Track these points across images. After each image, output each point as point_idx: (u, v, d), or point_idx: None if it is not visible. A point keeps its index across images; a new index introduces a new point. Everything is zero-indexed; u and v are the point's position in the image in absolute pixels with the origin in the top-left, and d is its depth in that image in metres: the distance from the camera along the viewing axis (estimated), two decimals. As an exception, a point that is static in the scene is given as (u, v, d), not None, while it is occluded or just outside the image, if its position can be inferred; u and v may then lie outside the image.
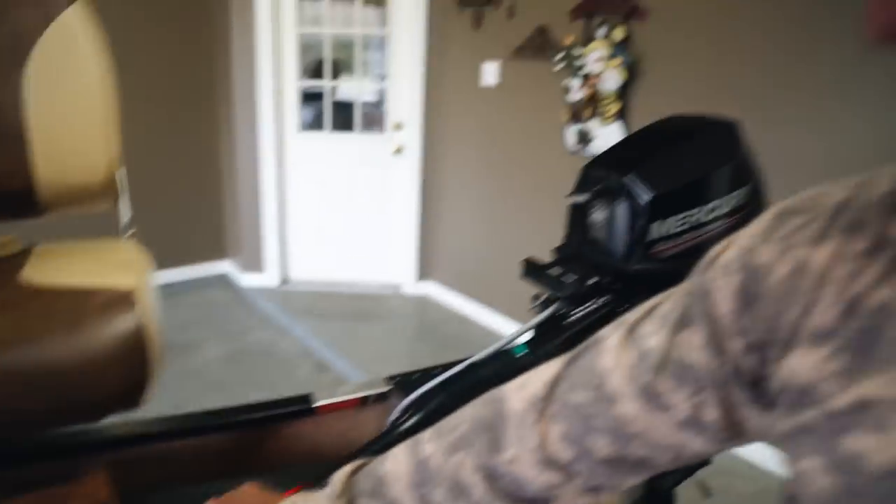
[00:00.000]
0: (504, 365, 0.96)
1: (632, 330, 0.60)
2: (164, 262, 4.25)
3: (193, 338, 3.67)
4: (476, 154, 3.85)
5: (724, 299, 0.53)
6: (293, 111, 4.17)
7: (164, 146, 4.17)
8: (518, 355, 0.99)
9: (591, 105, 2.92)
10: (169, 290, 4.28)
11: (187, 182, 4.33)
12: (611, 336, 0.62)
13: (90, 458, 1.17)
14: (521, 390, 0.65)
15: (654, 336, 0.58)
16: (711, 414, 0.54)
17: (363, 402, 1.36)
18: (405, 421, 0.89)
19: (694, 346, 0.55)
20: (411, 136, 4.08)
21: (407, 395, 1.35)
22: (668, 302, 0.59)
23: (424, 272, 4.33)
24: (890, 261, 0.45)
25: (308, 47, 4.20)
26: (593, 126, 2.96)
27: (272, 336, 3.76)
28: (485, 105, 3.69)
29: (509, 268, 3.92)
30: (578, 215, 1.37)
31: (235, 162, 4.20)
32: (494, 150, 3.71)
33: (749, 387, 0.52)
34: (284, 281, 4.40)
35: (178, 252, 4.38)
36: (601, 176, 1.31)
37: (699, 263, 0.57)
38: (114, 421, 1.21)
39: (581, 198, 1.26)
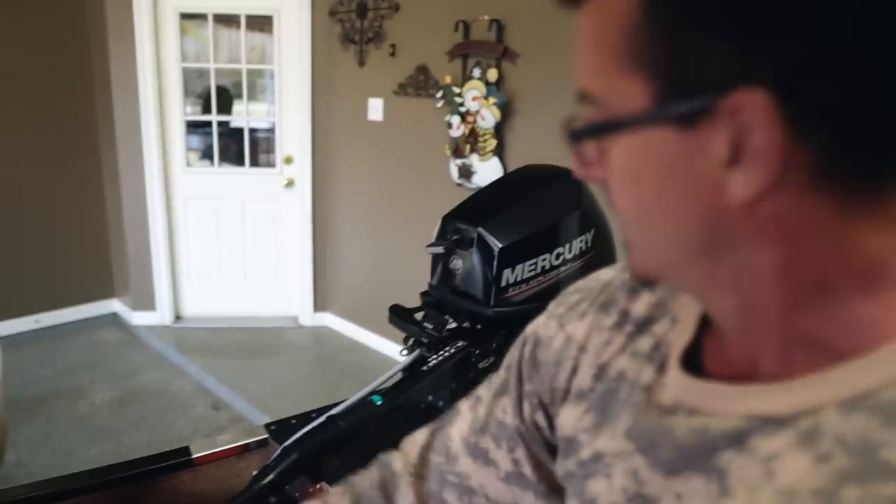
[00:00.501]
0: (362, 415, 1.05)
1: (476, 398, 0.71)
2: (48, 302, 4.10)
3: (81, 382, 3.55)
4: (366, 186, 3.94)
5: (522, 367, 0.65)
6: (180, 144, 4.12)
7: (42, 182, 4.03)
8: (377, 403, 1.08)
9: (472, 140, 3.07)
10: (55, 331, 4.13)
11: (69, 219, 4.19)
12: (463, 404, 0.72)
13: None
14: (403, 457, 0.75)
15: (482, 402, 0.69)
16: (527, 467, 0.64)
17: (245, 449, 1.42)
18: (279, 464, 0.96)
19: (507, 409, 0.66)
20: (302, 170, 4.12)
21: (284, 440, 1.42)
22: (501, 370, 0.70)
23: (320, 304, 4.36)
24: (628, 334, 0.57)
25: (198, 73, 4.17)
26: (474, 160, 3.11)
27: (166, 375, 3.69)
28: (372, 139, 3.79)
29: (402, 296, 4.00)
30: (440, 262, 1.49)
31: (120, 198, 4.11)
32: (383, 183, 3.82)
33: (544, 441, 0.64)
34: (177, 318, 4.33)
35: (63, 291, 4.22)
36: (458, 227, 1.43)
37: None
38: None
39: (439, 248, 1.38)
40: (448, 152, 3.24)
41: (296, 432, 0.97)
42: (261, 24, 4.04)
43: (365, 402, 1.08)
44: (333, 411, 1.03)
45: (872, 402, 0.36)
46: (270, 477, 0.92)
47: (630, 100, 0.39)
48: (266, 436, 1.44)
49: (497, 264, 1.35)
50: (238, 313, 4.37)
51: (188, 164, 4.19)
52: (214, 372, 3.64)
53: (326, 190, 4.15)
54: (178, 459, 1.35)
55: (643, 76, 0.38)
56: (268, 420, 1.47)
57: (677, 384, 0.48)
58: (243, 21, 3.98)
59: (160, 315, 4.27)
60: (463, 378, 1.39)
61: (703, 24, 0.35)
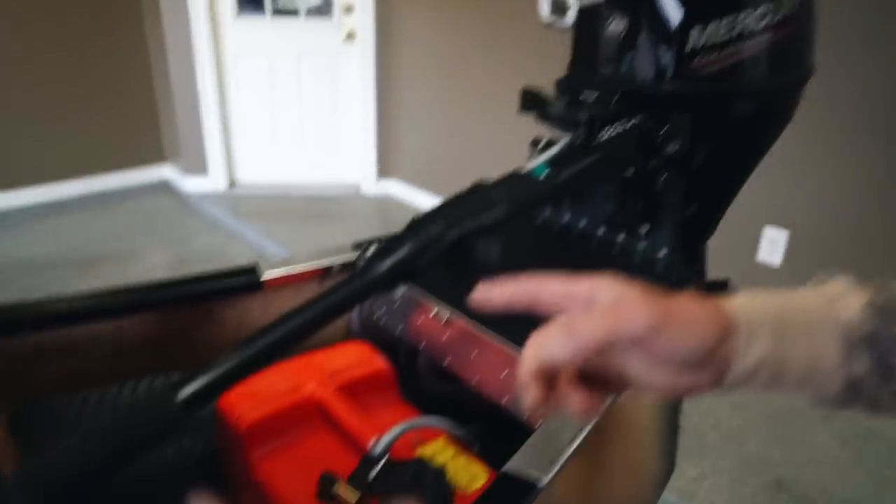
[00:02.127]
0: (521, 187, 0.70)
1: None
2: (99, 165, 3.86)
3: (133, 246, 3.33)
4: (436, 35, 3.49)
5: None
6: (229, -9, 3.70)
7: (82, 41, 3.69)
8: (539, 177, 0.72)
9: (569, -36, 2.58)
10: (107, 196, 3.90)
11: (114, 79, 3.87)
12: None
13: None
14: None
15: None
16: None
17: (326, 272, 1.10)
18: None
19: None
20: (363, 19, 3.68)
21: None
22: None
23: (384, 170, 4.01)
24: None
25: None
26: (570, -10, 2.62)
27: (221, 241, 3.44)
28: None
29: (475, 160, 3.65)
30: (587, 32, 1.09)
31: (166, 53, 3.75)
32: (456, 30, 3.36)
33: None
34: (232, 184, 4.05)
35: (113, 155, 3.96)
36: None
37: None
38: (7, 305, 0.92)
39: (594, -1, 0.98)
40: (538, -17, 2.76)
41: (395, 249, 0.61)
42: None
43: (520, 176, 0.72)
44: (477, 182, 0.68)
45: None
46: (402, 253, 0.58)
47: None
48: (354, 256, 1.11)
49: (685, 17, 0.95)
50: (295, 181, 4.07)
51: (238, 14, 3.77)
52: (273, 237, 3.38)
53: (391, 42, 3.71)
54: (245, 280, 1.03)
55: None
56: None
57: None
58: None
59: (213, 181, 3.99)
60: (637, 187, 1.03)
61: None
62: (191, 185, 3.99)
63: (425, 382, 1.11)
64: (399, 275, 0.58)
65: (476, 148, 3.45)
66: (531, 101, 1.09)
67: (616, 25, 1.02)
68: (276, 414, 0.88)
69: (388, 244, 0.59)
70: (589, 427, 0.74)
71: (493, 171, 0.77)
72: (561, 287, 0.43)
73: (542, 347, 0.39)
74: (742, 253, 2.50)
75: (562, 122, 1.05)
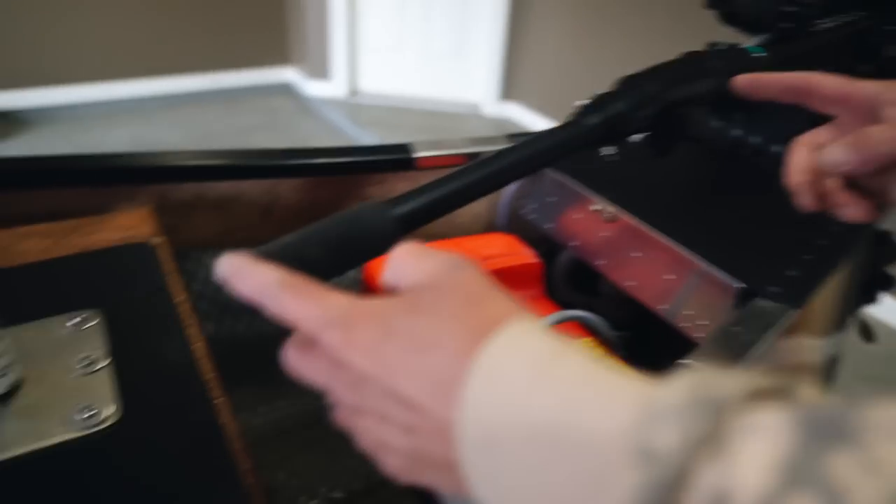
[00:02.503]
0: (739, 61, 0.62)
1: None
2: (225, 63, 3.93)
3: (254, 143, 3.41)
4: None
5: None
6: None
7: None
8: (756, 55, 0.64)
9: None
10: (230, 94, 3.99)
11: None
12: None
13: (129, 188, 0.90)
14: None
15: None
16: None
17: (472, 158, 1.05)
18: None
19: None
20: (505, -70, 3.52)
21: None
22: None
23: (507, 92, 3.91)
24: None
25: None
26: None
27: (339, 143, 3.47)
28: None
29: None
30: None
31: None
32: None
33: None
34: (353, 92, 4.05)
35: (238, 55, 4.02)
36: None
37: None
38: (172, 151, 0.93)
39: None
40: None
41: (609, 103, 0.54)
42: None
43: (738, 49, 0.64)
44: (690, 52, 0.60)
45: None
46: (618, 106, 0.52)
47: None
48: (507, 146, 1.06)
49: None
50: (416, 94, 4.03)
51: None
52: (389, 148, 3.37)
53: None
54: (397, 156, 1.01)
55: None
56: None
57: None
58: None
59: (335, 86, 4.00)
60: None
61: None
62: (312, 89, 4.03)
63: (568, 289, 1.07)
64: (612, 129, 0.52)
65: (609, 76, 3.29)
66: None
67: None
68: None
69: (600, 98, 0.53)
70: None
71: None
72: (841, 87, 0.39)
73: (827, 153, 0.36)
74: None
75: (754, 19, 0.95)
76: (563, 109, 3.59)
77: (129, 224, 0.83)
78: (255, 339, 1.06)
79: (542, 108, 3.74)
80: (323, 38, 3.89)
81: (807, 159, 0.38)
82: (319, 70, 3.98)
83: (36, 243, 0.75)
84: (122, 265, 0.73)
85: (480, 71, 3.93)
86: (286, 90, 4.18)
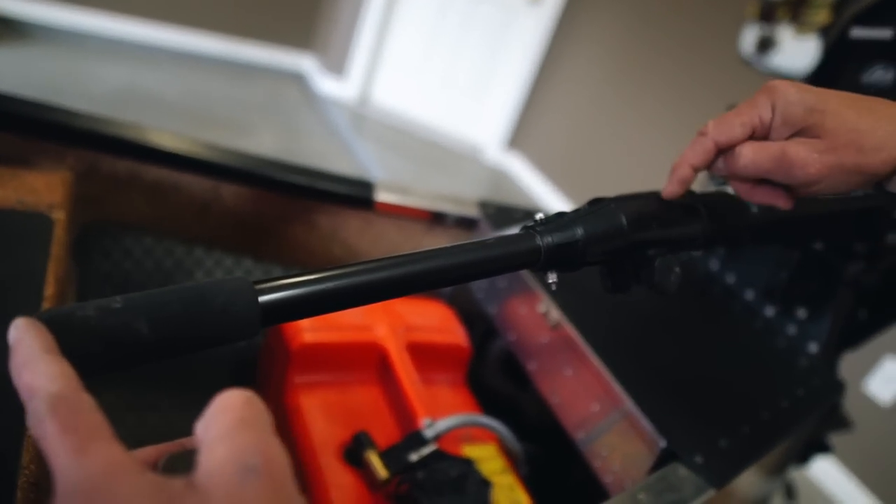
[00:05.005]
0: (730, 211, 0.56)
1: None
2: (241, 29, 3.83)
3: (252, 120, 3.32)
4: (621, 26, 3.29)
5: None
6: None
7: None
8: (752, 208, 0.58)
9: (792, 5, 2.34)
10: (239, 66, 3.91)
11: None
12: None
13: (59, 147, 0.82)
14: None
15: None
16: None
17: (437, 218, 0.98)
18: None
19: None
20: (555, -10, 3.52)
21: (498, 230, 0.97)
22: None
23: (513, 141, 3.87)
24: None
25: None
26: (783, 33, 2.40)
27: (332, 149, 3.40)
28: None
29: (610, 170, 3.46)
30: (834, 69, 0.92)
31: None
32: (644, 28, 3.15)
33: None
34: (363, 99, 3.99)
35: (259, 24, 3.88)
36: None
37: None
38: (115, 120, 0.85)
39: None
40: (750, 12, 2.53)
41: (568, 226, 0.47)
42: None
43: (729, 197, 0.58)
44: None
45: None
46: (576, 232, 0.45)
47: None
48: (475, 215, 0.99)
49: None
50: (423, 121, 3.97)
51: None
52: (383, 166, 3.31)
53: (570, 24, 3.54)
54: (357, 192, 0.93)
55: None
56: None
57: None
58: None
59: (347, 88, 3.94)
60: (819, 265, 0.87)
61: None
62: (324, 85, 3.96)
63: (495, 379, 0.99)
64: (566, 255, 0.45)
65: (615, 158, 3.27)
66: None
67: (882, 75, 0.85)
68: (335, 345, 0.78)
69: (560, 215, 0.47)
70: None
71: (624, 188, 0.62)
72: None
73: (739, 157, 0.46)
74: (847, 378, 2.25)
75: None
76: (561, 173, 3.56)
77: (37, 186, 0.74)
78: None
79: (542, 165, 3.70)
80: (350, 33, 3.82)
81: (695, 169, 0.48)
82: (336, 66, 3.91)
83: (-81, 181, 0.66)
84: (3, 233, 0.64)
85: (493, 115, 3.89)
86: (297, 79, 4.10)
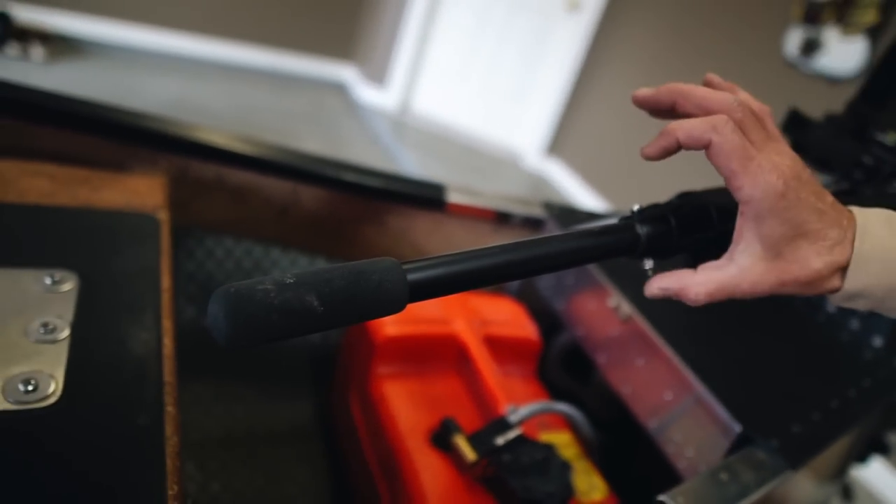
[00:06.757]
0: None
1: None
2: (285, 41, 3.92)
3: (297, 129, 3.41)
4: (661, 30, 3.30)
5: None
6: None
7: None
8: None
9: (838, 6, 2.34)
10: (283, 78, 4.00)
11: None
12: None
13: (153, 152, 0.87)
14: None
15: None
16: None
17: (503, 218, 1.02)
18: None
19: None
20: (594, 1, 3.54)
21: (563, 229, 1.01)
22: None
23: (552, 146, 3.90)
24: None
25: None
26: (830, 35, 2.39)
27: (374, 156, 3.46)
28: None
29: (649, 176, 3.46)
30: None
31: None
32: (685, 31, 3.16)
33: None
34: (404, 108, 4.05)
35: (303, 35, 3.98)
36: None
37: None
38: (204, 126, 0.91)
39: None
40: (795, 13, 2.53)
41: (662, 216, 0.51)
42: None
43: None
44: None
45: None
46: (671, 221, 0.49)
47: None
48: (538, 212, 1.03)
49: None
50: (464, 128, 4.02)
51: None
52: (423, 172, 3.36)
53: (614, 21, 3.55)
54: (429, 194, 0.98)
55: None
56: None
57: None
58: None
59: (389, 97, 4.01)
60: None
61: None
62: (365, 94, 4.03)
63: (557, 374, 1.03)
64: (661, 244, 0.49)
65: (655, 162, 3.27)
66: (795, 123, 0.96)
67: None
68: (416, 337, 0.82)
69: (654, 207, 0.50)
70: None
71: (665, 192, 0.64)
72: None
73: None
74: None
75: (825, 157, 0.92)
76: (601, 178, 3.57)
77: (140, 189, 0.80)
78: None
79: (582, 171, 3.72)
80: (391, 44, 3.89)
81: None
82: (378, 76, 3.98)
83: (40, 184, 0.72)
84: (120, 232, 0.69)
85: (533, 121, 3.93)
86: (339, 89, 4.19)
